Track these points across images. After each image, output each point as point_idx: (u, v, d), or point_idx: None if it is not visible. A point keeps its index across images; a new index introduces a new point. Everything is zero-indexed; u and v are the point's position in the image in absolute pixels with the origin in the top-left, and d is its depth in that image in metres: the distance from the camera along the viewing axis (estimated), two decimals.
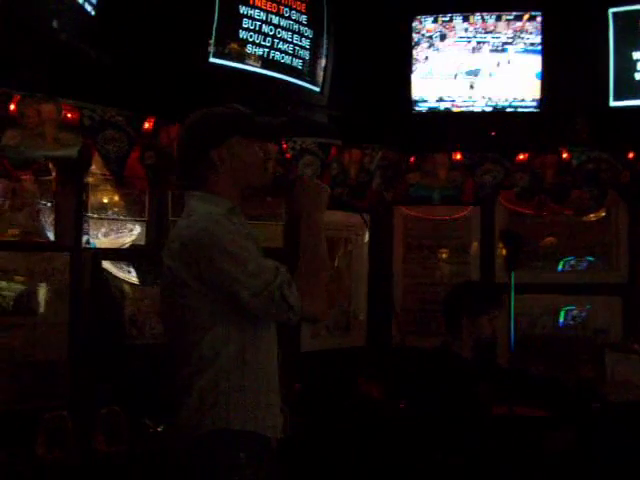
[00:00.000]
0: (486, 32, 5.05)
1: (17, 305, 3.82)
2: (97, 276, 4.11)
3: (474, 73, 5.10)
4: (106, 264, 4.14)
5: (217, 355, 2.29)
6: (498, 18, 5.04)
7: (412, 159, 5.34)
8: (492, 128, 5.08)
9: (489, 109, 5.08)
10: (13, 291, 3.80)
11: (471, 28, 5.08)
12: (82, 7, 3.54)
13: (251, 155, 2.45)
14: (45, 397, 3.86)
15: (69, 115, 3.86)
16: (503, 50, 5.04)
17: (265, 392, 2.38)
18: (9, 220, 3.83)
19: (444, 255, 5.45)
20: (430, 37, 5.14)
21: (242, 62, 4.22)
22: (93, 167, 4.08)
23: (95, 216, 4.13)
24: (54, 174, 3.92)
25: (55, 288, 3.94)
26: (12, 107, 3.69)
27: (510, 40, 5.00)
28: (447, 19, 5.11)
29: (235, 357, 2.30)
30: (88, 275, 4.08)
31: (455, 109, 5.14)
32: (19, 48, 3.64)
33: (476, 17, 5.07)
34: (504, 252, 5.07)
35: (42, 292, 3.91)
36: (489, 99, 5.09)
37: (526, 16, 5.00)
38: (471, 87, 5.10)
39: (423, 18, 5.14)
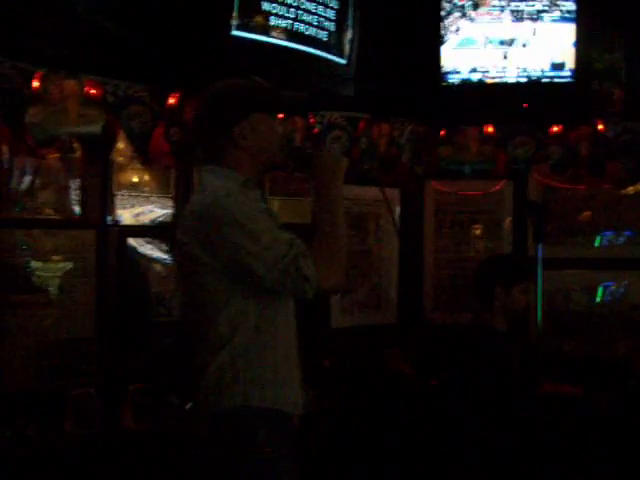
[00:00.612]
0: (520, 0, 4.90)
1: (43, 283, 3.82)
2: (123, 253, 4.10)
3: (508, 43, 4.96)
4: (132, 241, 4.13)
5: (234, 332, 2.26)
6: None
7: (443, 132, 5.23)
8: (525, 99, 4.93)
9: (523, 80, 4.93)
10: (39, 269, 3.81)
11: None
12: None
13: (271, 131, 2.42)
14: (73, 375, 3.87)
15: (92, 91, 3.84)
16: (538, 18, 4.88)
17: (284, 367, 2.34)
18: (35, 198, 3.82)
19: (476, 231, 5.35)
20: (462, 6, 4.99)
21: (265, 34, 4.13)
22: (119, 144, 4.05)
23: (121, 193, 4.09)
24: (79, 151, 3.90)
25: (81, 266, 3.94)
26: (35, 84, 3.68)
27: (546, 8, 4.84)
28: None
29: (252, 333, 2.27)
30: (114, 252, 4.07)
31: (488, 80, 5.00)
32: (40, 23, 3.61)
33: None
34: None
35: (68, 270, 3.90)
36: (523, 69, 4.94)
37: None
38: (505, 57, 4.96)
39: None
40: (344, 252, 2.32)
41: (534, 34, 4.90)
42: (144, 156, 4.02)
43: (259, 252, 2.17)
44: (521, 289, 3.74)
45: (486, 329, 3.74)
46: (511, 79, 4.96)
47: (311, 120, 4.67)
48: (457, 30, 5.02)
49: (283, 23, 4.20)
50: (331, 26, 4.46)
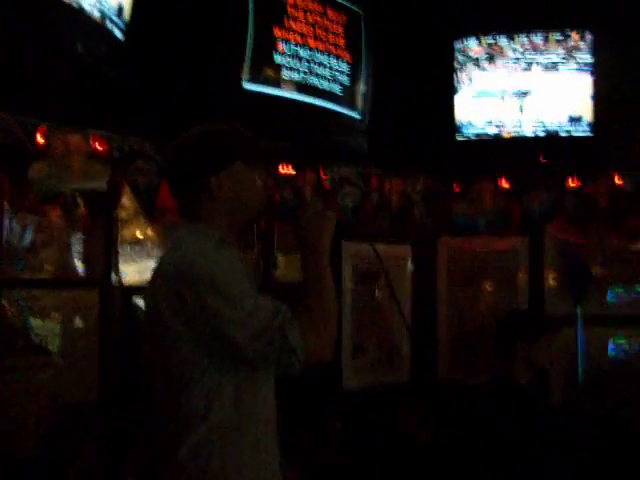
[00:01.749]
0: (536, 51, 4.81)
1: (45, 343, 3.69)
2: (128, 312, 3.96)
3: (524, 95, 4.87)
4: (139, 300, 3.98)
5: (209, 409, 1.99)
6: (545, 38, 4.79)
7: (457, 187, 5.11)
8: (541, 153, 4.83)
9: (540, 133, 4.83)
10: (41, 329, 3.67)
11: (520, 48, 4.84)
12: (110, 32, 3.40)
13: (251, 183, 2.18)
14: (75, 440, 3.70)
15: (98, 146, 3.74)
16: (555, 69, 4.79)
17: (264, 447, 2.09)
18: (36, 256, 3.70)
19: (490, 287, 5.20)
20: (477, 59, 4.92)
21: (277, 88, 4.05)
22: (123, 199, 3.94)
23: (125, 250, 3.97)
24: (82, 207, 3.79)
25: (85, 325, 3.80)
26: (39, 138, 3.57)
27: (562, 60, 4.75)
28: (491, 40, 4.89)
29: (230, 410, 2.00)
30: (118, 311, 3.93)
31: (504, 133, 4.91)
32: (44, 76, 3.51)
33: (522, 37, 4.84)
34: (553, 283, 4.88)
35: (71, 330, 3.76)
36: (540, 122, 4.84)
37: (574, 35, 4.75)
38: (520, 110, 4.87)
39: (466, 40, 4.93)
40: (334, 319, 2.09)
41: (549, 86, 4.81)
42: (150, 212, 3.88)
43: (241, 320, 1.93)
44: (544, 343, 3.63)
45: (508, 385, 3.61)
46: (527, 132, 4.86)
47: (322, 176, 4.56)
48: (471, 82, 4.94)
49: (296, 76, 4.11)
50: (345, 79, 4.37)
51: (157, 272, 2.08)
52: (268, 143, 2.29)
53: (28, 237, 3.67)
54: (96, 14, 3.31)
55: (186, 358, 1.98)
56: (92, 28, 3.28)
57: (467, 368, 5.08)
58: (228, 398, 1.99)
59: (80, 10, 3.20)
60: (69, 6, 3.16)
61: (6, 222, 3.58)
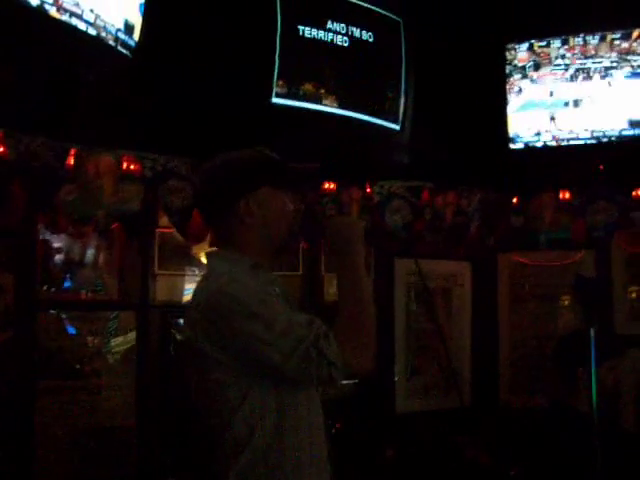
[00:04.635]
0: (586, 57, 4.55)
1: (81, 367, 3.67)
2: (166, 336, 3.90)
3: (575, 103, 4.62)
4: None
5: (252, 433, 1.98)
6: (602, 38, 4.52)
7: (515, 200, 4.87)
8: (601, 161, 4.55)
9: (597, 140, 4.56)
10: (76, 352, 3.65)
11: (568, 54, 4.60)
12: (119, 51, 3.39)
13: (282, 208, 2.17)
14: (110, 466, 3.67)
15: (130, 166, 3.70)
16: (607, 75, 4.52)
17: (310, 471, 2.04)
18: (73, 277, 3.72)
19: (555, 305, 4.95)
20: (523, 67, 4.70)
21: (310, 101, 3.94)
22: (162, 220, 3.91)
23: (163, 272, 3.93)
24: (117, 229, 3.77)
25: (121, 348, 3.77)
26: (71, 161, 3.57)
27: (615, 64, 4.48)
28: (544, 44, 4.65)
29: (273, 433, 1.99)
30: (156, 334, 3.87)
31: (556, 143, 4.66)
32: (74, 99, 3.52)
33: (577, 39, 4.58)
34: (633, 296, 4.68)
35: (107, 353, 3.74)
36: (597, 129, 4.57)
37: (635, 33, 4.46)
38: (573, 118, 4.62)
39: (517, 46, 4.71)
40: (371, 328, 2.03)
41: (602, 93, 4.54)
42: (184, 234, 3.82)
43: (274, 339, 1.91)
44: (608, 367, 3.36)
45: (569, 412, 3.37)
46: (583, 140, 4.60)
47: (368, 190, 4.41)
48: (519, 92, 4.72)
49: (332, 89, 4.00)
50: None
51: (192, 301, 2.11)
52: (296, 166, 2.23)
53: (63, 260, 3.68)
54: (104, 34, 3.32)
55: (225, 384, 1.98)
56: (103, 49, 3.28)
57: (530, 391, 4.83)
58: (270, 421, 1.99)
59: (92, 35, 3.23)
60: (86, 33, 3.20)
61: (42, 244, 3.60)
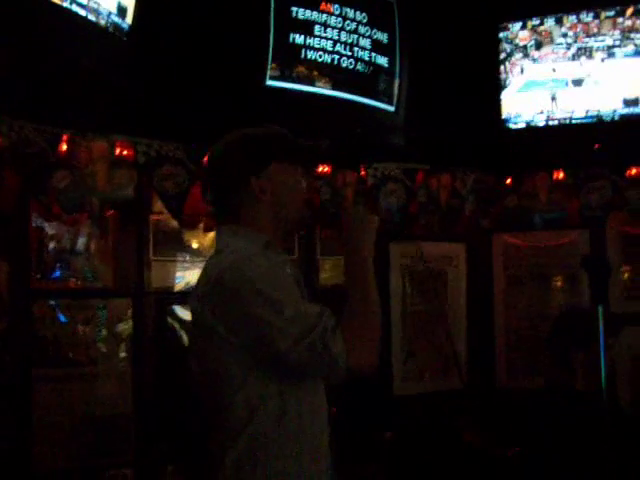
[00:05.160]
0: (588, 35, 4.52)
1: (76, 355, 3.63)
2: (162, 323, 3.87)
3: (577, 82, 4.59)
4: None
5: (252, 415, 1.95)
6: (596, 16, 4.49)
7: (509, 180, 4.86)
8: (597, 141, 4.53)
9: (593, 120, 4.54)
10: (72, 340, 3.62)
11: (571, 33, 4.57)
12: (114, 35, 3.34)
13: (294, 182, 2.15)
14: (108, 453, 3.65)
15: (123, 152, 3.66)
16: (610, 55, 4.49)
17: (310, 458, 2.02)
18: (66, 265, 3.66)
19: (551, 285, 4.94)
20: (524, 47, 4.67)
21: (305, 83, 3.90)
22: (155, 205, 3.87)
23: (158, 258, 3.89)
24: (111, 215, 3.72)
25: (117, 336, 3.74)
26: (63, 147, 3.52)
27: (617, 42, 4.45)
28: (537, 22, 4.62)
29: (274, 418, 1.96)
30: (152, 322, 3.84)
31: (555, 123, 4.63)
32: (66, 85, 3.46)
33: (570, 17, 4.55)
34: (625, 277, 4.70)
35: (103, 340, 3.70)
36: (593, 109, 4.55)
37: (629, 10, 4.43)
38: (572, 97, 4.59)
39: (511, 25, 4.68)
40: (377, 325, 2.02)
41: (604, 72, 4.51)
42: (179, 219, 3.78)
43: (283, 325, 1.89)
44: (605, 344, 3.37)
45: (566, 391, 3.36)
46: (580, 120, 4.58)
47: (362, 173, 4.38)
48: (520, 72, 4.69)
49: (326, 71, 3.96)
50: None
51: (202, 275, 2.07)
52: (307, 141, 2.22)
53: (56, 247, 3.63)
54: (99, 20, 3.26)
55: (229, 363, 1.96)
56: (96, 33, 3.23)
57: (526, 372, 4.83)
58: (272, 409, 1.97)
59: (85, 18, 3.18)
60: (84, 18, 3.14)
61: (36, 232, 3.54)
